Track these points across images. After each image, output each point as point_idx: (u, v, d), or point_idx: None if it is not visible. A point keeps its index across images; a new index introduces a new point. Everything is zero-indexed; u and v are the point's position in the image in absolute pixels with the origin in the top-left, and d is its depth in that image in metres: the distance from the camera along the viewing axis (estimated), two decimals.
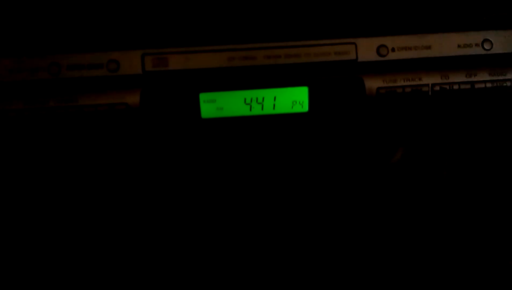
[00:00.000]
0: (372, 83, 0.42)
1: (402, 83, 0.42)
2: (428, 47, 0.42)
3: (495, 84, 0.42)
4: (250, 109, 0.42)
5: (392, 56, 0.42)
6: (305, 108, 0.42)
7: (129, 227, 0.53)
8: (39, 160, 0.50)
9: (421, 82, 0.42)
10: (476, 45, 0.42)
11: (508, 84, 0.43)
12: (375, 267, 0.53)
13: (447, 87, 0.42)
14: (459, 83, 0.42)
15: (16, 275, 0.50)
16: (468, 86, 0.42)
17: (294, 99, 0.42)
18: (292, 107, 0.42)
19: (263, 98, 0.42)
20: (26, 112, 0.39)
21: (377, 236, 0.55)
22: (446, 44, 0.42)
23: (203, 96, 0.41)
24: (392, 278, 0.53)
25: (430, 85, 0.42)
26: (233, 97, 0.42)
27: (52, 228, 0.52)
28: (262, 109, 0.42)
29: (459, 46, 0.42)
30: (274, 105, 0.42)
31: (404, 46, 0.42)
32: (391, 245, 0.54)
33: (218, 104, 0.42)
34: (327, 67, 0.42)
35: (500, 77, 0.42)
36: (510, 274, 0.51)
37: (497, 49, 0.43)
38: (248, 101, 0.42)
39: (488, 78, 0.42)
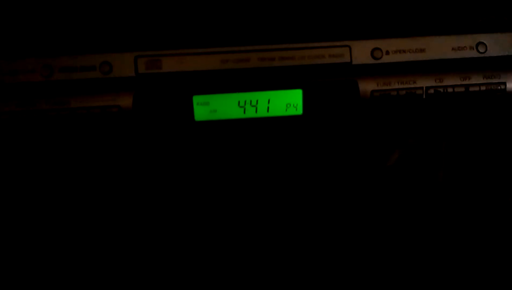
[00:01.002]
0: (367, 86, 0.42)
1: (397, 86, 0.42)
2: (422, 50, 0.42)
3: (489, 87, 0.42)
4: (244, 112, 0.42)
5: (386, 59, 0.42)
6: (299, 111, 0.42)
7: (122, 230, 0.53)
8: (32, 163, 0.49)
9: (415, 85, 0.42)
10: (470, 48, 0.42)
11: (502, 87, 0.42)
12: (372, 269, 0.53)
13: (441, 90, 0.42)
14: (453, 86, 0.42)
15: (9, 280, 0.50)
16: (463, 89, 0.42)
17: (288, 102, 0.42)
18: (286, 110, 0.42)
19: (257, 101, 0.42)
20: (18, 115, 0.39)
21: (374, 238, 0.55)
22: (440, 47, 0.42)
23: (196, 99, 0.41)
24: (390, 280, 0.52)
25: (424, 88, 0.42)
26: (227, 99, 0.41)
27: (44, 230, 0.52)
28: (256, 112, 0.42)
29: (453, 49, 0.42)
30: (268, 107, 0.42)
31: (398, 49, 0.42)
32: (388, 247, 0.54)
33: (211, 107, 0.41)
34: (321, 70, 0.42)
35: (495, 80, 0.42)
36: (508, 275, 0.51)
37: (491, 52, 0.43)
38: (242, 103, 0.42)
39: (482, 81, 0.42)
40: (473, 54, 0.42)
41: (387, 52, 0.42)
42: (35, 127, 0.40)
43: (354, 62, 0.42)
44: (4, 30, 0.40)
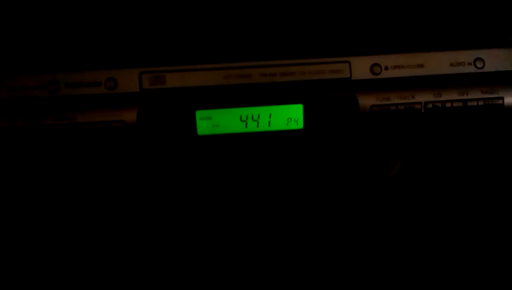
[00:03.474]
0: (366, 101, 0.42)
1: (395, 101, 0.42)
2: (421, 66, 0.43)
3: (487, 102, 0.43)
4: (246, 126, 0.43)
5: (385, 74, 0.42)
6: (300, 125, 0.43)
7: (126, 242, 0.53)
8: (37, 178, 0.50)
9: (414, 100, 0.42)
10: (468, 63, 0.43)
11: (500, 101, 0.43)
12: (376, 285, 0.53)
13: (440, 105, 0.43)
14: (451, 101, 0.43)
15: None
16: (461, 104, 0.43)
17: (289, 116, 0.43)
18: (287, 124, 0.43)
19: (258, 115, 0.42)
20: (24, 130, 0.40)
21: (378, 252, 0.55)
22: (439, 63, 0.43)
23: (199, 114, 0.42)
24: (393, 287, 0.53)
25: (423, 103, 0.43)
26: (229, 114, 0.42)
27: (49, 243, 0.52)
28: (258, 126, 0.43)
29: (451, 64, 0.43)
30: (269, 122, 0.43)
31: (397, 65, 0.43)
32: (392, 258, 0.54)
33: (214, 121, 0.42)
34: (321, 85, 0.42)
35: (492, 95, 0.43)
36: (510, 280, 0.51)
37: (489, 67, 0.43)
38: (243, 118, 0.42)
39: (480, 96, 0.43)
40: (471, 69, 0.43)
41: (386, 68, 0.43)
42: (41, 142, 0.41)
43: (353, 78, 0.42)
44: (11, 47, 0.41)
